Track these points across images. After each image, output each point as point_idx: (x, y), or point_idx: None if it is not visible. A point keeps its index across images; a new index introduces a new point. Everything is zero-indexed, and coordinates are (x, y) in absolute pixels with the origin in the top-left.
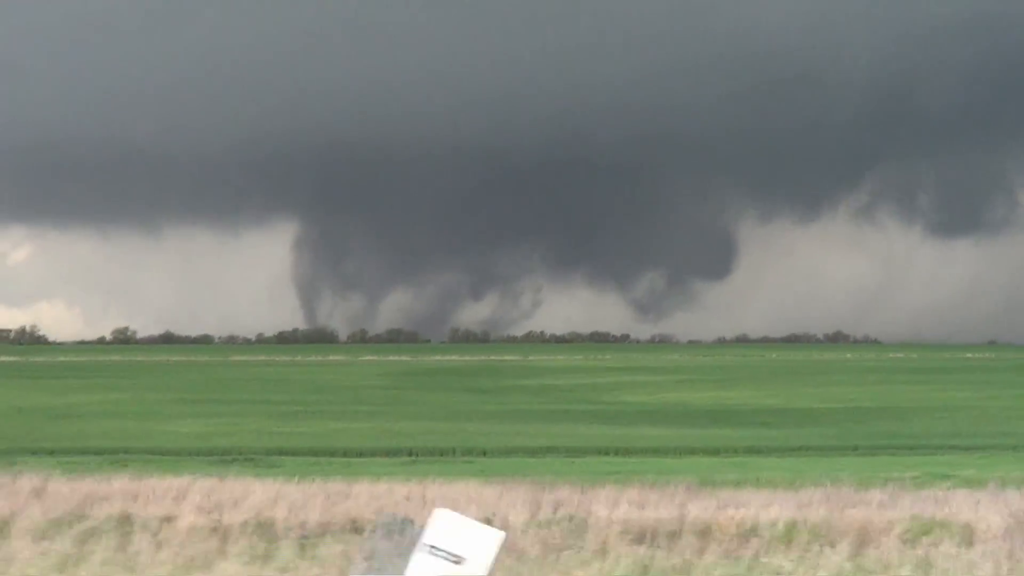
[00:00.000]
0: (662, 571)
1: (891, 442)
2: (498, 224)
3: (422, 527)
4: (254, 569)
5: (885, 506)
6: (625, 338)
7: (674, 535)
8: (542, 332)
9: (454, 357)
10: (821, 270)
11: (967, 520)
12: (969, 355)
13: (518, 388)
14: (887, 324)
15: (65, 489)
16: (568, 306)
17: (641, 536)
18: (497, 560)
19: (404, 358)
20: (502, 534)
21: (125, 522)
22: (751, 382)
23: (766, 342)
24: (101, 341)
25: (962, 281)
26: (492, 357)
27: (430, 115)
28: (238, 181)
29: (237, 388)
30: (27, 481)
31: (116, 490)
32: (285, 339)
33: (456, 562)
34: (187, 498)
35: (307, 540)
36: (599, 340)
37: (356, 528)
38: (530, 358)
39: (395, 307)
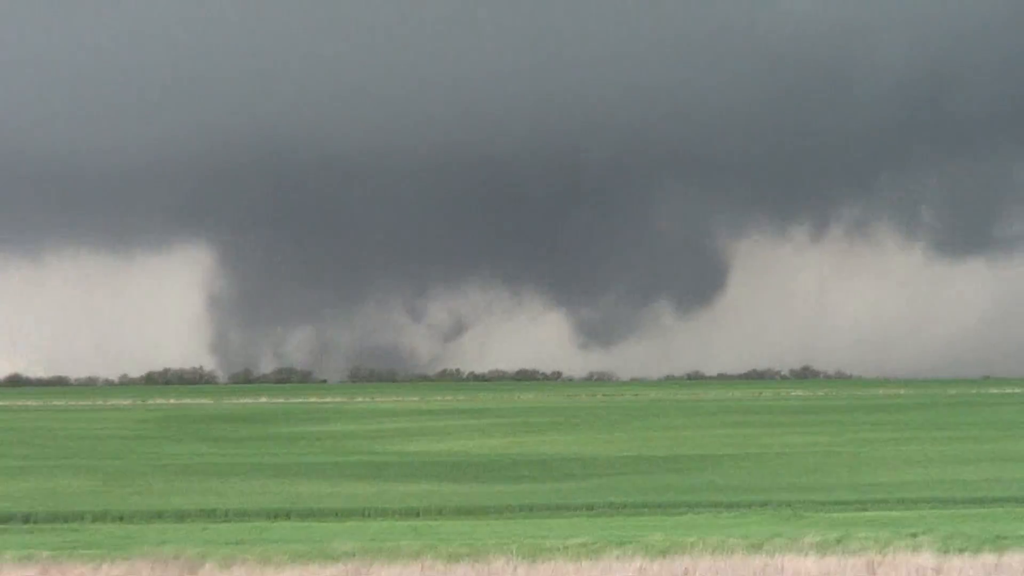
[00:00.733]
0: None
1: (643, 499)
2: (440, 248)
3: None
4: None
5: None
6: (557, 376)
7: None
8: (458, 370)
9: (262, 400)
10: (804, 296)
11: None
12: (906, 392)
13: (286, 437)
14: (869, 358)
15: None
16: (504, 339)
17: None
18: None
19: (187, 401)
20: None
21: None
22: (580, 427)
23: (721, 379)
24: None
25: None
26: (311, 400)
27: (377, 124)
28: (140, 198)
29: None
30: None
31: None
32: (153, 380)
33: None
34: None
35: None
36: (526, 378)
37: None
38: (357, 400)
39: (306, 342)
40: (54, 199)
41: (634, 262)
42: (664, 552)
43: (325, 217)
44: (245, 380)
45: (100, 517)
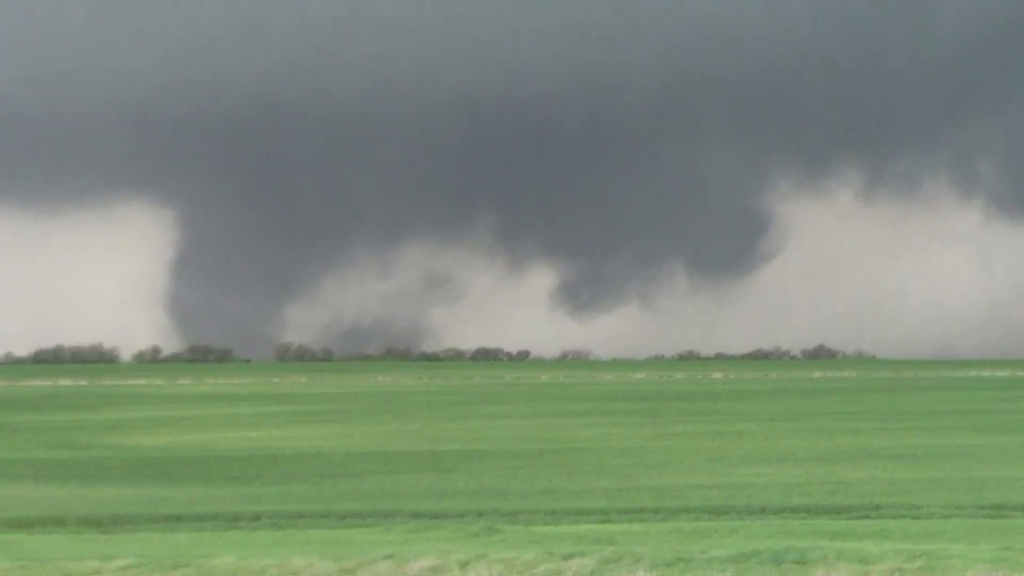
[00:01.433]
0: None
1: (325, 507)
2: (417, 203)
3: None
4: None
5: None
6: (524, 355)
7: None
8: (407, 349)
9: (64, 382)
10: (834, 262)
11: None
12: (907, 375)
13: (11, 427)
14: (898, 335)
15: None
16: (474, 313)
17: None
18: None
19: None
20: None
21: None
22: (377, 416)
23: (718, 360)
24: None
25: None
26: (121, 383)
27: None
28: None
29: None
30: None
31: None
32: (43, 359)
33: None
34: None
35: None
36: (489, 357)
37: None
38: (179, 383)
39: (241, 317)
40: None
41: (647, 219)
42: None
43: (272, 172)
44: (152, 360)
45: None
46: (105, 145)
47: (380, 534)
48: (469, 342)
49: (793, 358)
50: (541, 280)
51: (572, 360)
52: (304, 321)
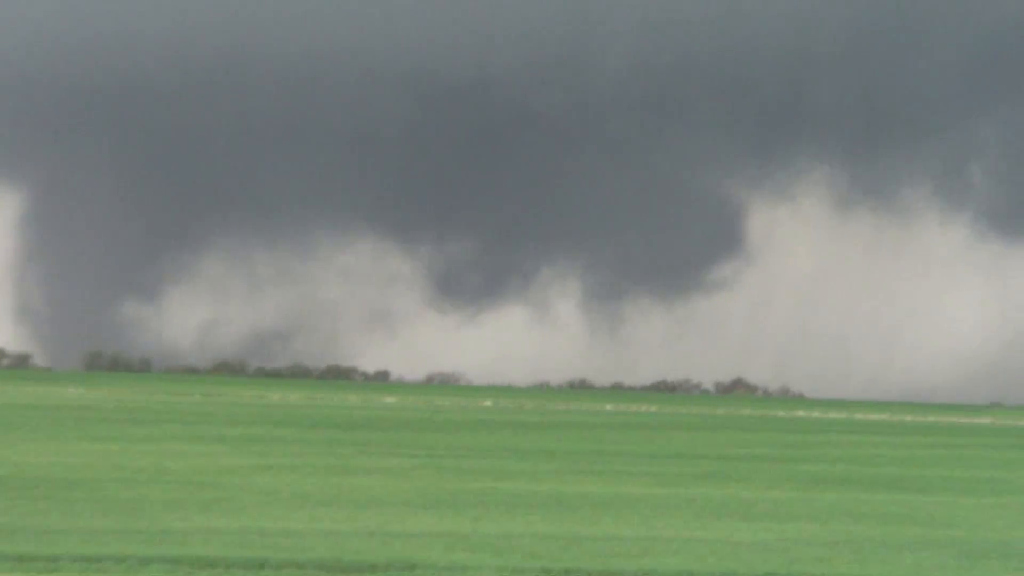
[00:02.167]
0: None
1: None
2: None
3: None
4: None
5: None
6: (383, 376)
7: None
8: (242, 362)
9: None
10: (793, 285)
11: None
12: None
13: None
14: (850, 371)
15: None
16: (334, 324)
17: None
18: None
19: None
20: None
21: None
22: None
23: (616, 390)
24: None
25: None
26: None
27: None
28: None
29: None
30: None
31: None
32: None
33: None
34: None
35: None
36: (341, 377)
37: None
38: None
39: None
40: None
41: (570, 214)
42: None
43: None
44: None
45: None
46: None
47: None
48: (320, 359)
49: (704, 392)
50: (417, 277)
51: (437, 385)
52: (139, 327)
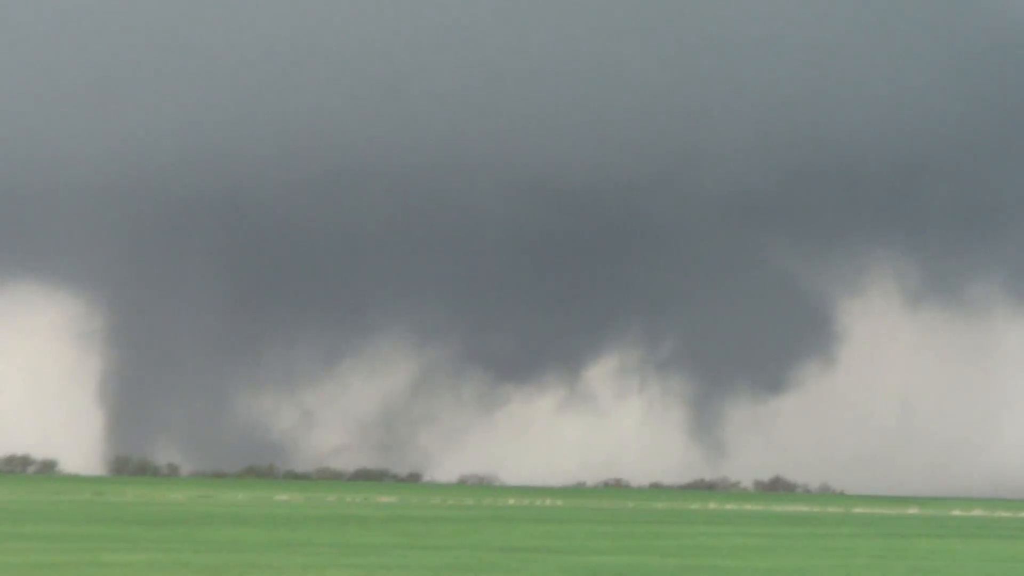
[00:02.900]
0: None
1: None
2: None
3: None
4: None
5: None
6: (416, 478)
7: None
8: (271, 465)
9: None
10: (859, 384)
11: None
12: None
13: None
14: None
15: None
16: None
17: None
18: None
19: None
20: None
21: None
22: None
23: (655, 488)
24: None
25: None
26: None
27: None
28: None
29: None
30: None
31: None
32: None
33: None
34: None
35: None
36: (372, 479)
37: None
38: None
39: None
40: None
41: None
42: None
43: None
44: None
45: None
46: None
47: None
48: (353, 462)
49: (743, 490)
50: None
51: (470, 485)
52: (182, 432)
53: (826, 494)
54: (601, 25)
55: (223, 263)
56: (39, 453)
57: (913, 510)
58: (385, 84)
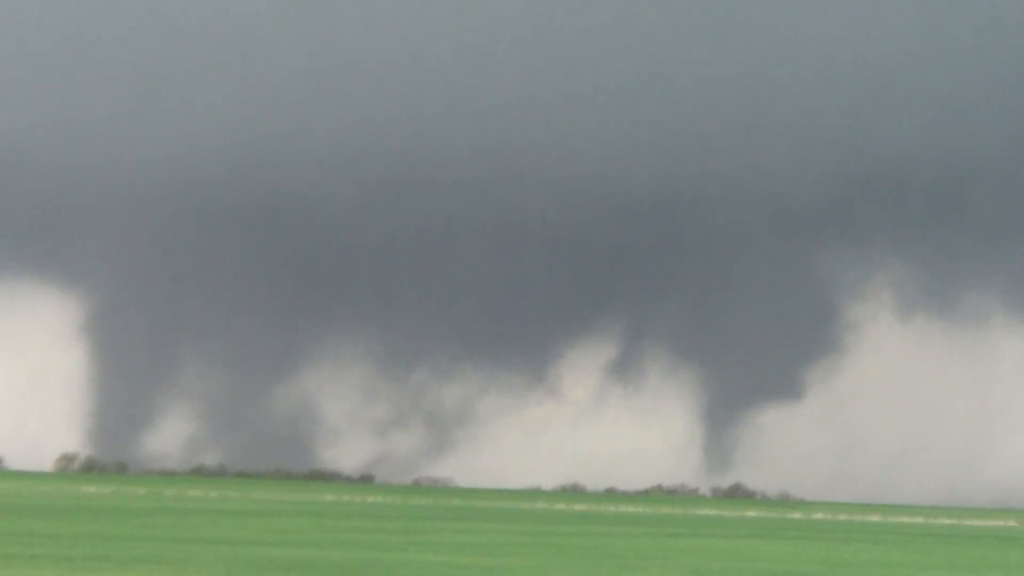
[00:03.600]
0: None
1: None
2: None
3: None
4: None
5: None
6: (368, 479)
7: None
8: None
9: None
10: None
11: None
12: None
13: None
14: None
15: None
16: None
17: None
18: None
19: None
20: None
21: None
22: None
23: (610, 496)
24: None
25: None
26: None
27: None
28: None
29: None
30: None
31: None
32: None
33: None
34: None
35: None
36: (326, 479)
37: None
38: None
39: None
40: None
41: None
42: None
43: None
44: None
45: None
46: None
47: None
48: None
49: (700, 496)
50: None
51: (423, 487)
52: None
53: (786, 501)
54: (649, 33)
55: (263, 272)
56: None
57: (875, 517)
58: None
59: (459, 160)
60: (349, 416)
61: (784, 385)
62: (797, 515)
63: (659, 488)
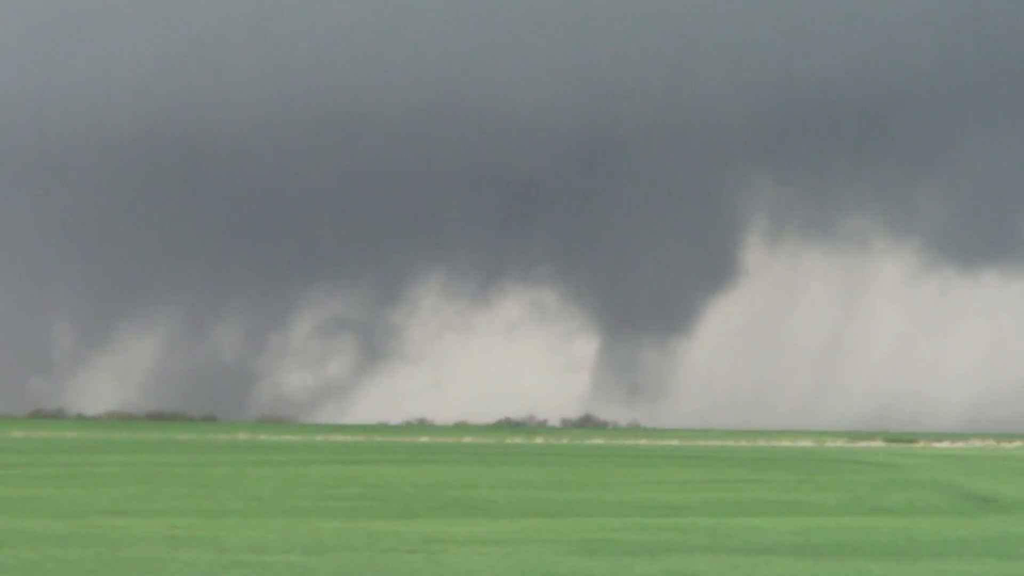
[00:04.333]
0: None
1: None
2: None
3: None
4: None
5: None
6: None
7: None
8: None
9: None
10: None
11: None
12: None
13: None
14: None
15: None
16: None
17: None
18: None
19: None
20: None
21: None
22: None
23: (460, 428)
24: None
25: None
26: None
27: None
28: None
29: None
30: None
31: None
32: None
33: None
34: None
35: None
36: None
37: None
38: None
39: None
40: None
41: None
42: None
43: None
44: None
45: None
46: None
47: None
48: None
49: (551, 427)
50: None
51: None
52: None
53: (634, 428)
54: None
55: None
56: None
57: (674, 441)
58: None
59: (385, 95)
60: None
61: (666, 316)
62: (599, 440)
63: (507, 421)
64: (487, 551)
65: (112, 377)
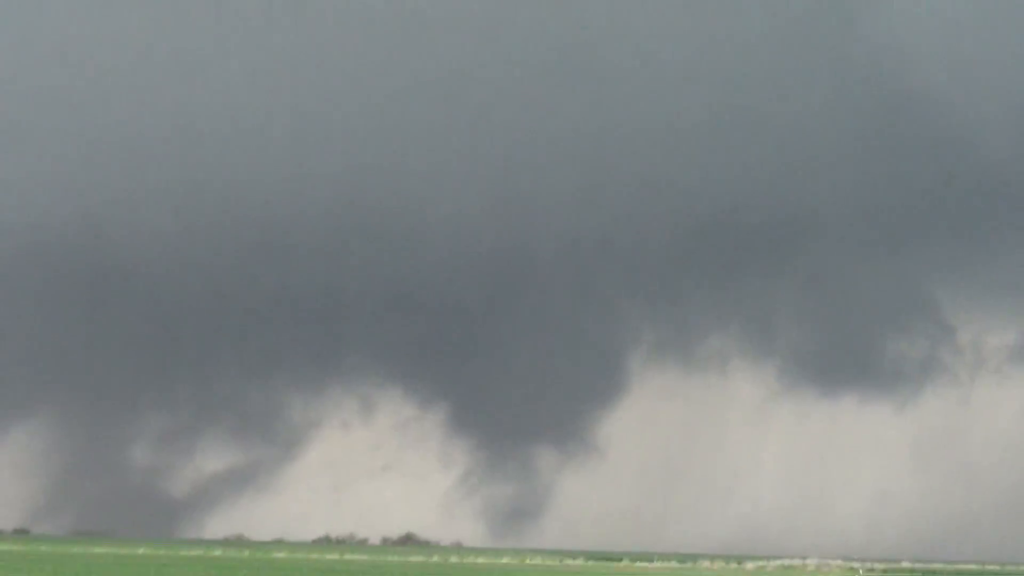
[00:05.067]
0: None
1: None
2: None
3: None
4: None
5: None
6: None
7: None
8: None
9: None
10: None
11: None
12: None
13: None
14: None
15: None
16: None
17: None
18: None
19: None
20: None
21: None
22: None
23: (279, 545)
24: None
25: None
26: None
27: None
28: None
29: None
30: None
31: None
32: None
33: None
34: None
35: None
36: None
37: None
38: None
39: None
40: None
41: None
42: None
43: None
44: None
45: None
46: None
47: None
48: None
49: (371, 545)
50: None
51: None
52: None
53: (457, 549)
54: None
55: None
56: None
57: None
58: None
59: (312, 223)
60: None
61: (558, 432)
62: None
63: (327, 538)
64: None
65: None
